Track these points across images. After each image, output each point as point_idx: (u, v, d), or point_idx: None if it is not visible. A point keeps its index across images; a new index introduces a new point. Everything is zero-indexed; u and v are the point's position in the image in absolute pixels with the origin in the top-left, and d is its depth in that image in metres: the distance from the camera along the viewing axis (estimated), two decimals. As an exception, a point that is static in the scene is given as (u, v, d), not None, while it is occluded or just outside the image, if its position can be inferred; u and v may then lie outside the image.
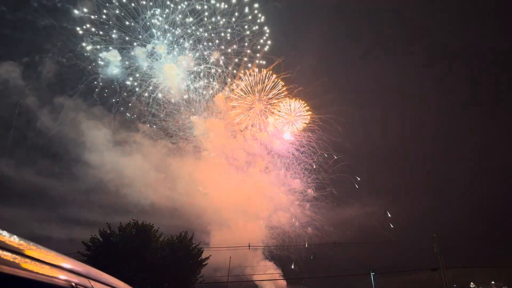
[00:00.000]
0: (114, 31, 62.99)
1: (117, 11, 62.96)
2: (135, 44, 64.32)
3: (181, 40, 65.56)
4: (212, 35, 66.17)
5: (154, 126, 67.43)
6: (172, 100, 67.11)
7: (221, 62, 67.44)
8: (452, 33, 78.43)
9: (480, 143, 78.45)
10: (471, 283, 57.80)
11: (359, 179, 75.24)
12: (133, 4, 62.58)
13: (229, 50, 67.60)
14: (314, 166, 73.12)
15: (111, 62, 63.17)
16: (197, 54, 66.80)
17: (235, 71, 68.58)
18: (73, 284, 2.16)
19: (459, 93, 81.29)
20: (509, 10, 72.93)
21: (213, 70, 67.37)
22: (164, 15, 63.84)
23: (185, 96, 67.63)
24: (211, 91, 68.52)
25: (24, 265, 1.76)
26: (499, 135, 78.77)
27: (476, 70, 79.55)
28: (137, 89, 66.02)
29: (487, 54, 76.94)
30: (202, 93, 68.15)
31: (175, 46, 65.73)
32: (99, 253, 35.04)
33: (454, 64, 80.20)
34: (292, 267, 64.72)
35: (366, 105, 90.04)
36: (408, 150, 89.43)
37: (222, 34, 66.66)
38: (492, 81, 79.60)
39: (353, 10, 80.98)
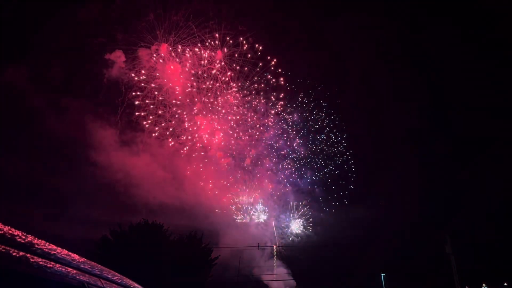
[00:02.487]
0: (119, 31, 63.65)
1: (121, 12, 63.68)
2: (139, 44, 64.92)
3: (185, 41, 66.06)
4: (216, 35, 66.56)
5: (161, 126, 67.77)
6: (177, 101, 67.49)
7: (224, 62, 67.80)
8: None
9: (492, 141, 77.49)
10: (483, 284, 57.22)
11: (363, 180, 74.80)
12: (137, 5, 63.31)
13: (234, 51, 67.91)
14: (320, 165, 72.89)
15: (116, 62, 63.80)
16: (202, 55, 67.23)
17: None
18: (85, 283, 2.16)
19: (465, 92, 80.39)
20: None
21: (216, 71, 67.71)
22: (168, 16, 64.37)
23: (190, 96, 68.05)
24: (215, 91, 68.83)
25: (36, 264, 1.76)
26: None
27: (478, 68, 78.66)
28: (142, 89, 66.50)
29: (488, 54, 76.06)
30: (207, 93, 68.50)
31: (180, 47, 66.20)
32: (110, 252, 35.32)
33: (456, 61, 79.50)
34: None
35: (370, 103, 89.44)
36: (420, 149, 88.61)
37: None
38: (494, 82, 78.58)
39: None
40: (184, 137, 68.18)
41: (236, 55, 68.20)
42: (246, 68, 68.58)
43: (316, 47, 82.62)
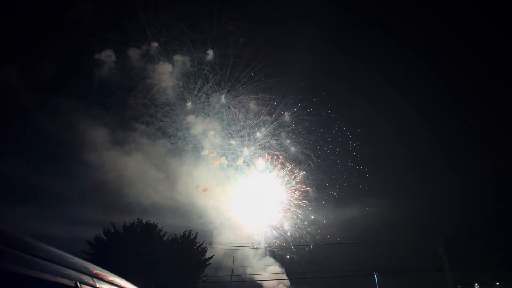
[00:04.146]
0: (109, 31, 63.64)
1: (111, 12, 63.73)
2: (129, 44, 64.90)
3: (176, 41, 66.15)
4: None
5: (152, 126, 67.61)
6: (168, 101, 67.41)
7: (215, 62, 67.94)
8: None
9: (486, 142, 78.18)
10: (476, 284, 57.56)
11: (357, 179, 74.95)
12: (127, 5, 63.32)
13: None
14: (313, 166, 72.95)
15: (106, 62, 63.70)
16: (192, 54, 67.34)
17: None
18: (77, 282, 2.15)
19: (463, 90, 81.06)
20: None
21: (207, 71, 67.77)
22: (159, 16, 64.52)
23: (181, 97, 68.00)
24: (207, 91, 68.82)
25: (27, 263, 1.75)
26: (506, 134, 78.33)
27: (475, 65, 79.42)
28: (132, 89, 66.32)
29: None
30: (197, 94, 68.46)
31: (170, 47, 66.25)
32: (103, 251, 35.22)
33: (453, 59, 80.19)
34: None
35: (366, 104, 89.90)
36: (412, 149, 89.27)
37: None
38: (491, 78, 79.36)
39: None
40: (176, 136, 68.12)
41: (227, 55, 68.44)
42: (237, 68, 68.78)
43: (311, 46, 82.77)
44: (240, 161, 70.15)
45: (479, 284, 58.15)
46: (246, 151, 70.30)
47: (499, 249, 58.00)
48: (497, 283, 57.85)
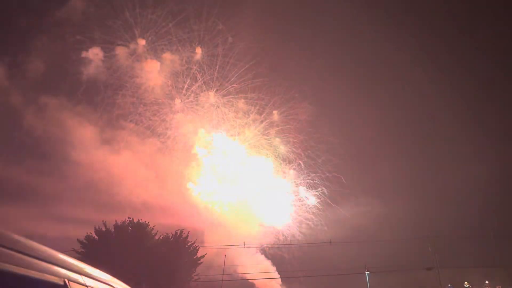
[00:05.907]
0: (96, 29, 63.26)
1: (98, 10, 63.43)
2: (117, 42, 64.59)
3: (164, 40, 66.02)
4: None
5: (141, 125, 67.34)
6: (157, 99, 67.25)
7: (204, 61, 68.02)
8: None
9: (476, 142, 78.90)
10: (465, 282, 58.14)
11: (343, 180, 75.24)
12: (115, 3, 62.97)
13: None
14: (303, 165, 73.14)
15: (93, 60, 63.36)
16: (180, 53, 67.29)
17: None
18: (65, 279, 2.13)
19: (456, 89, 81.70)
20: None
21: (196, 70, 67.75)
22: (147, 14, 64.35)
23: (170, 95, 67.93)
24: (195, 90, 68.81)
25: (15, 260, 1.73)
26: (497, 135, 79.12)
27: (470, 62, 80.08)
28: (120, 88, 65.96)
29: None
30: (186, 93, 68.39)
31: (158, 45, 66.09)
32: (94, 250, 35.04)
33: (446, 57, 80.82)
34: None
35: (355, 102, 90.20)
36: (403, 149, 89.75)
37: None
38: (487, 80, 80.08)
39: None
40: (165, 135, 67.96)
41: (215, 54, 68.50)
42: (226, 67, 68.89)
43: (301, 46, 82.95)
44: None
45: (469, 283, 58.75)
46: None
47: (489, 249, 58.81)
48: (486, 282, 58.51)
